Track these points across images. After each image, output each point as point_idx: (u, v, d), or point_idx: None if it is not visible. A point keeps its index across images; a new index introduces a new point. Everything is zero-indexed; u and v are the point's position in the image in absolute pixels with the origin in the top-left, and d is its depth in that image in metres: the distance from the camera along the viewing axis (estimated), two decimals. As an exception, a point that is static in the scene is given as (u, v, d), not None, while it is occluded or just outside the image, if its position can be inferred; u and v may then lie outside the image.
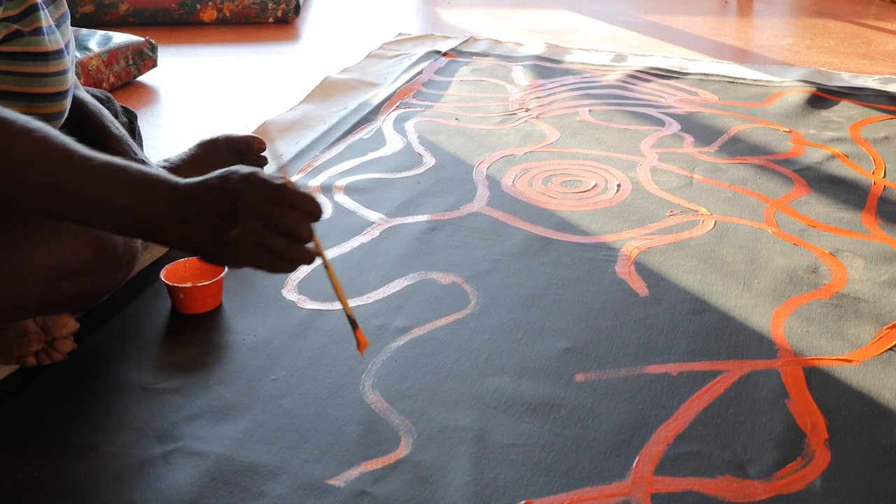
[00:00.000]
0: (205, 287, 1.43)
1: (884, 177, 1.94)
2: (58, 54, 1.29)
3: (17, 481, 1.10)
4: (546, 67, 2.69)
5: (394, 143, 2.11)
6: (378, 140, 2.13)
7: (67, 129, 1.38)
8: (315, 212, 1.06)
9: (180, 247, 1.06)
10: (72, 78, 1.36)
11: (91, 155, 1.03)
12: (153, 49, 2.62)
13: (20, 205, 1.04)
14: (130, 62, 2.56)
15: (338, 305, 1.46)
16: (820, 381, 1.29)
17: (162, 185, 1.04)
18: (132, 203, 1.02)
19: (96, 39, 2.54)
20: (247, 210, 1.03)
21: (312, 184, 1.88)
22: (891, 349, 1.36)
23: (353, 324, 1.15)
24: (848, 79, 2.57)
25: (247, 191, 1.04)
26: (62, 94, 1.32)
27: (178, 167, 1.74)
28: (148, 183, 1.03)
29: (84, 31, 2.60)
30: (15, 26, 1.23)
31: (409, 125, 2.22)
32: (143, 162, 1.58)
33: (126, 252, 1.32)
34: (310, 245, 1.07)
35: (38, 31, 1.25)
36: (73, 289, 1.25)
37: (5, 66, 1.23)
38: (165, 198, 1.03)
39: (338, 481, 1.11)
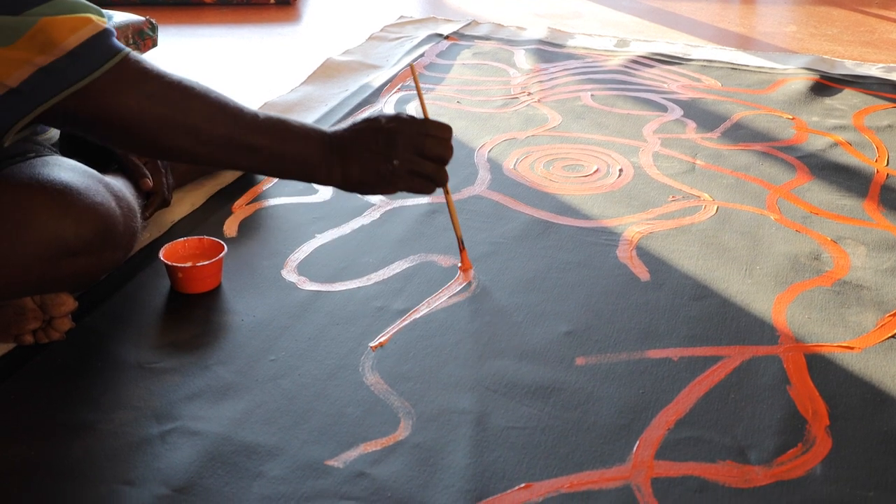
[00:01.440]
0: (204, 267, 1.42)
1: (886, 165, 1.94)
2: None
3: (15, 460, 1.10)
4: (548, 52, 2.68)
5: (395, 126, 2.10)
6: (379, 122, 2.12)
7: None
8: (450, 136, 1.30)
9: (340, 184, 1.28)
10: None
11: (256, 111, 1.23)
12: (154, 29, 2.60)
13: (200, 157, 1.22)
14: (131, 42, 2.54)
15: (337, 287, 1.46)
16: (821, 367, 1.29)
17: (318, 134, 1.27)
18: (298, 151, 1.24)
19: (97, 18, 2.52)
20: (405, 143, 1.26)
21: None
22: (892, 337, 1.36)
23: (461, 244, 1.49)
24: (851, 67, 2.56)
25: (400, 127, 1.27)
26: None
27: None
28: (306, 134, 1.26)
29: (84, 9, 2.58)
30: None
31: (411, 108, 2.21)
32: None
33: (126, 231, 1.32)
34: None
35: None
36: (72, 267, 1.24)
37: None
38: (323, 144, 1.26)
39: (337, 462, 1.11)
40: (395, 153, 1.27)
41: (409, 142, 1.27)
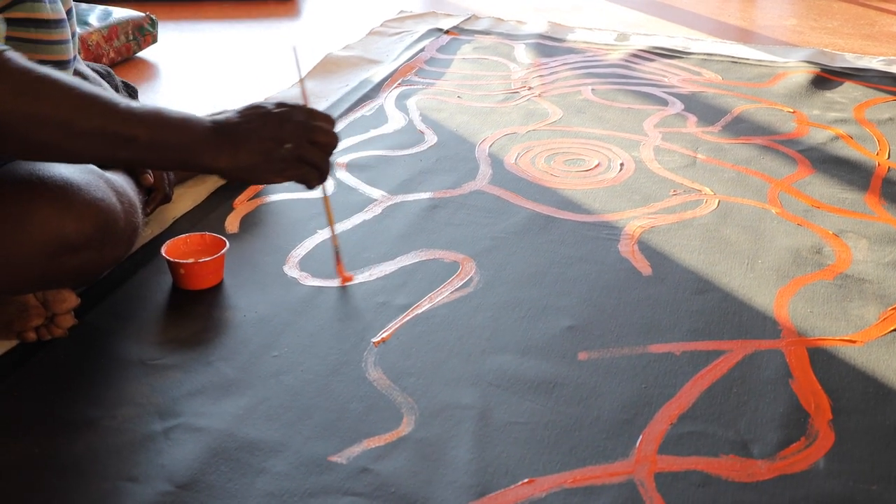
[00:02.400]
0: (206, 263, 1.42)
1: (888, 158, 1.94)
2: (59, 23, 1.28)
3: (18, 456, 1.10)
4: (549, 46, 2.68)
5: (395, 121, 2.10)
6: (380, 117, 2.12)
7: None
8: (334, 125, 1.28)
9: (228, 170, 1.22)
10: (73, 49, 1.34)
11: (131, 103, 1.16)
12: (153, 24, 2.61)
13: (76, 153, 1.16)
14: (131, 37, 2.55)
15: (339, 283, 1.46)
16: (824, 361, 1.29)
17: (202, 120, 1.21)
18: (178, 139, 1.18)
19: (96, 14, 2.52)
20: (295, 128, 1.23)
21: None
22: (894, 330, 1.36)
23: (338, 254, 1.43)
24: (852, 60, 2.56)
25: (290, 112, 1.24)
26: (64, 64, 1.31)
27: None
28: (189, 120, 1.20)
29: (84, 5, 2.58)
30: None
31: (411, 102, 2.21)
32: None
33: (127, 228, 1.32)
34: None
35: None
36: (74, 264, 1.24)
37: (10, 33, 1.22)
38: (206, 130, 1.20)
39: (340, 458, 1.11)
40: (286, 137, 1.23)
41: (299, 127, 1.24)
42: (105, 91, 1.16)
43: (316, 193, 1.67)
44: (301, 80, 1.39)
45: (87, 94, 1.12)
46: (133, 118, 1.14)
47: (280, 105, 1.25)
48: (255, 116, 1.23)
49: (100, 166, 1.33)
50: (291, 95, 2.24)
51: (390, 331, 1.34)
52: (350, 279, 1.46)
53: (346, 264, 1.47)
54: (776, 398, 1.21)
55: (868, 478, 1.09)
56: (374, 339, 1.32)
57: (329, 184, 1.32)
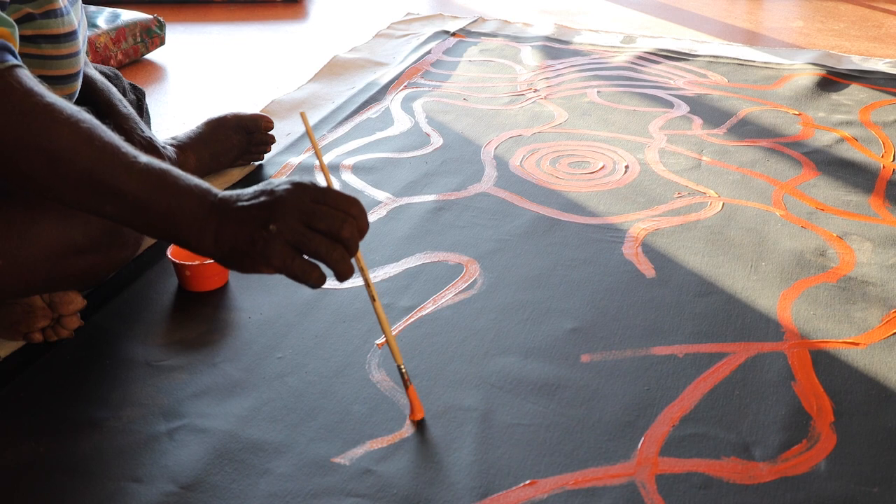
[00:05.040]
0: (212, 265, 1.43)
1: (893, 160, 1.93)
2: (70, 36, 1.29)
3: (24, 456, 1.11)
4: (555, 48, 2.68)
5: (401, 123, 2.11)
6: (386, 120, 2.13)
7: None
8: (360, 216, 1.04)
9: (212, 250, 1.04)
10: (82, 60, 1.35)
11: (136, 154, 1.03)
12: (161, 27, 2.62)
13: (59, 193, 1.03)
14: (138, 40, 2.56)
15: (343, 285, 1.46)
16: (826, 364, 1.29)
17: (203, 191, 1.04)
18: (168, 204, 1.02)
19: (104, 16, 2.53)
20: (288, 207, 1.02)
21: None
22: (898, 333, 1.36)
23: (406, 379, 1.18)
24: (858, 62, 2.56)
25: (290, 191, 1.03)
26: (73, 77, 1.32)
27: (185, 145, 1.74)
28: (187, 188, 1.03)
29: (92, 7, 2.60)
30: (26, 9, 1.23)
31: (417, 105, 2.22)
32: (149, 140, 1.58)
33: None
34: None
35: (50, 14, 1.25)
36: (80, 266, 1.25)
37: (20, 49, 1.23)
38: (204, 203, 1.03)
39: (343, 459, 1.11)
40: (273, 216, 1.02)
41: (294, 206, 1.02)
42: (115, 138, 1.04)
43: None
44: (318, 153, 1.18)
45: (88, 133, 1.01)
46: (129, 171, 1.01)
47: (287, 183, 1.05)
48: (257, 193, 1.05)
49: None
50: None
51: (394, 332, 1.35)
52: (422, 415, 1.18)
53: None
54: (778, 400, 1.22)
55: (870, 480, 1.09)
56: (378, 341, 1.33)
57: (371, 280, 1.08)
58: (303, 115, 1.16)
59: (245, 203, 1.04)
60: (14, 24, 1.05)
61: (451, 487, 1.07)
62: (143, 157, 1.03)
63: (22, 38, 1.23)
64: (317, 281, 1.04)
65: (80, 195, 1.02)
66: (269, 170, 1.86)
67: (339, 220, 1.02)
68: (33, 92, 1.00)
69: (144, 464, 1.10)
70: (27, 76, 1.01)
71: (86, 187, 1.01)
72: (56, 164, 0.99)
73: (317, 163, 1.49)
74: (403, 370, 1.17)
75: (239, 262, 1.04)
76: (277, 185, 1.05)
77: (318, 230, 1.02)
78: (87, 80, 1.49)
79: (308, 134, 1.16)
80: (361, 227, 1.05)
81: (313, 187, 1.04)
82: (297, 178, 1.05)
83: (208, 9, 3.20)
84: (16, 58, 1.01)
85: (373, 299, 1.14)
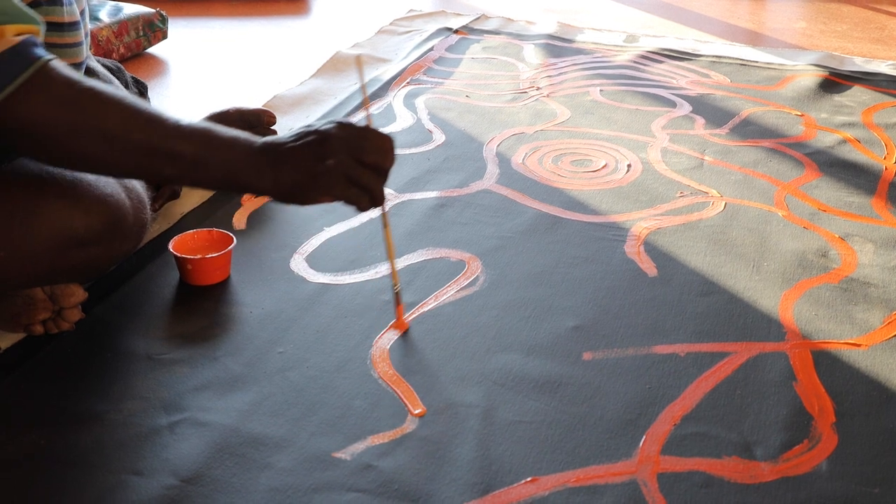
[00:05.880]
0: (213, 259, 1.43)
1: (895, 162, 1.93)
2: (74, 25, 1.29)
3: (25, 449, 1.11)
4: (557, 46, 2.68)
5: (404, 120, 2.11)
6: (388, 116, 2.13)
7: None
8: (393, 149, 1.18)
9: (272, 192, 1.17)
10: (86, 50, 1.35)
11: (178, 119, 1.13)
12: (164, 21, 2.62)
13: (118, 165, 1.13)
14: (141, 33, 2.55)
15: (345, 280, 1.46)
16: (828, 364, 1.29)
17: (246, 140, 1.16)
18: (223, 157, 1.14)
19: (107, 10, 2.53)
20: (341, 143, 1.15)
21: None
22: (900, 334, 1.36)
23: (398, 297, 1.34)
24: (861, 63, 2.56)
25: (337, 129, 1.16)
26: (76, 67, 1.31)
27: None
28: (234, 140, 1.15)
29: (95, 1, 2.59)
30: None
31: (420, 102, 2.21)
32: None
33: (135, 223, 1.32)
34: None
35: (55, 1, 1.25)
36: (81, 258, 1.25)
37: None
38: (252, 150, 1.15)
39: (344, 454, 1.11)
40: (328, 153, 1.15)
41: (345, 143, 1.15)
42: (151, 107, 1.14)
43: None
44: (365, 96, 1.30)
45: (133, 108, 1.10)
46: (179, 134, 1.12)
47: (330, 123, 1.18)
48: (303, 135, 1.17)
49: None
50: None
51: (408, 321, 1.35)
52: (406, 328, 1.36)
53: (353, 262, 1.45)
54: (780, 400, 1.22)
55: (870, 481, 1.09)
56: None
57: (387, 208, 1.24)
58: (358, 60, 1.29)
59: (296, 144, 1.16)
60: (41, 21, 1.10)
61: (452, 483, 1.07)
62: (185, 120, 1.13)
63: None
64: (367, 205, 1.19)
65: (140, 165, 1.12)
66: (271, 165, 1.86)
67: (383, 155, 1.17)
68: (73, 80, 1.08)
69: (145, 457, 1.10)
70: (62, 66, 1.08)
71: (143, 156, 1.11)
72: (112, 140, 1.09)
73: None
74: (398, 290, 1.35)
75: (301, 196, 1.17)
76: (322, 126, 1.17)
77: (365, 164, 1.16)
78: (90, 74, 1.49)
79: (360, 76, 1.30)
80: (394, 160, 1.19)
81: (355, 126, 1.17)
82: (337, 119, 1.18)
83: (211, 3, 3.19)
84: (46, 53, 1.07)
85: (385, 225, 1.32)
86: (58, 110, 1.07)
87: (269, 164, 1.15)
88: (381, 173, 1.17)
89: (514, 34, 2.79)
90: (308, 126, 1.19)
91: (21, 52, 1.05)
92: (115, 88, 1.11)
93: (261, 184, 1.16)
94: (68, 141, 1.09)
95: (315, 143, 1.16)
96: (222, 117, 1.79)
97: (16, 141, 1.11)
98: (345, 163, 1.15)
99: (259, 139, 1.17)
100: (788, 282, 1.49)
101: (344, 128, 1.17)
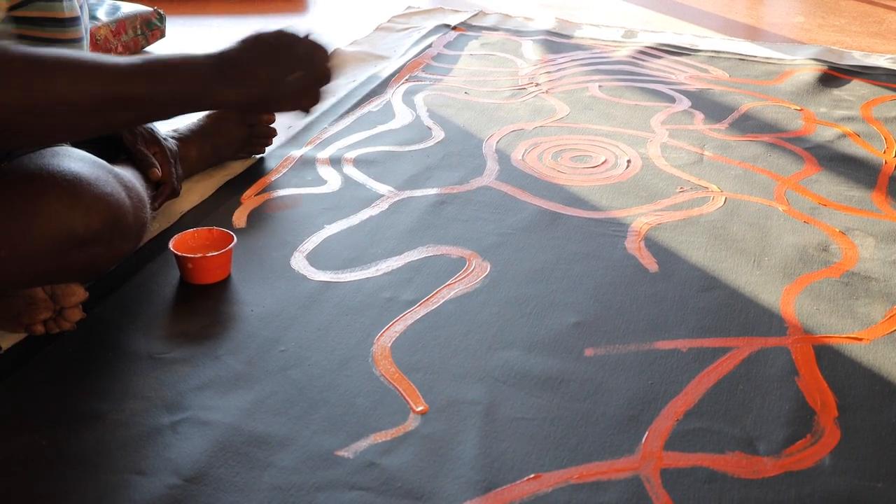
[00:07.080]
0: (214, 258, 1.43)
1: (895, 156, 1.93)
2: (74, 21, 1.28)
3: (26, 449, 1.10)
4: (556, 42, 2.68)
5: (403, 117, 2.10)
6: (387, 113, 2.12)
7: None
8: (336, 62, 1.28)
9: (237, 104, 1.21)
10: (85, 47, 1.35)
11: (121, 59, 1.12)
12: (161, 19, 2.61)
13: (79, 127, 1.14)
14: (139, 32, 2.55)
15: (346, 277, 1.46)
16: (830, 358, 1.29)
17: (201, 59, 1.17)
18: (182, 84, 1.15)
19: (105, 9, 2.52)
20: (298, 61, 1.21)
21: (321, 156, 1.88)
22: (901, 328, 1.36)
23: None
24: (859, 57, 2.56)
25: (294, 40, 1.22)
26: None
27: (186, 137, 1.74)
28: (188, 61, 1.16)
29: None
30: None
31: (419, 98, 2.21)
32: (151, 131, 1.58)
33: (135, 222, 1.32)
34: None
35: None
36: (82, 257, 1.25)
37: (24, 31, 1.23)
38: (211, 67, 1.16)
39: (347, 453, 1.11)
40: (288, 68, 1.21)
41: (302, 61, 1.23)
42: (92, 56, 1.12)
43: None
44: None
45: (76, 66, 1.09)
46: (129, 75, 1.11)
47: (280, 34, 1.23)
48: (262, 45, 1.21)
49: (113, 135, 1.34)
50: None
51: (397, 325, 1.35)
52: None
53: (353, 259, 1.44)
54: (782, 395, 1.22)
55: (873, 475, 1.09)
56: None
57: None
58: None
59: (254, 57, 1.19)
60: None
61: (455, 481, 1.07)
62: (123, 59, 1.12)
63: (27, 20, 1.23)
64: (312, 111, 1.29)
65: (96, 121, 1.13)
66: (270, 163, 1.86)
67: (333, 71, 1.27)
68: (13, 55, 1.06)
69: (147, 456, 1.10)
70: (5, 47, 1.06)
71: (104, 110, 1.11)
72: (64, 100, 1.08)
73: (318, 155, 1.63)
74: None
75: (262, 108, 1.30)
76: (271, 36, 1.21)
77: (320, 80, 1.25)
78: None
79: None
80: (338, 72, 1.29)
81: (307, 42, 1.24)
82: (278, 29, 1.23)
83: (208, 1, 3.19)
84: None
85: None
86: (10, 95, 1.05)
87: (229, 81, 1.17)
88: (328, 79, 1.27)
89: (512, 30, 2.79)
90: (256, 33, 1.22)
91: None
92: (55, 49, 1.10)
93: (226, 98, 1.19)
94: (28, 122, 1.08)
95: (274, 56, 1.20)
96: (221, 115, 1.79)
97: None
98: (306, 81, 1.23)
99: (207, 56, 1.18)
100: (789, 276, 1.49)
101: (295, 38, 1.22)
